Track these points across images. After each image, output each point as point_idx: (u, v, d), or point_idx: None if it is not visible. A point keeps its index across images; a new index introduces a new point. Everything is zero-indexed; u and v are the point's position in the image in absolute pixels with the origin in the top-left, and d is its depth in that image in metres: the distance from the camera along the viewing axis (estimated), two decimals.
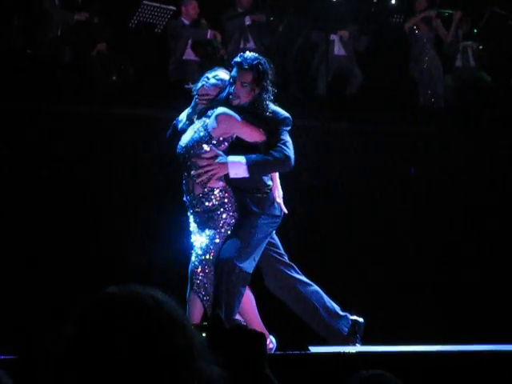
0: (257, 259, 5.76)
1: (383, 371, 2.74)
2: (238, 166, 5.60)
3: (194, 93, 5.78)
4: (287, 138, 5.73)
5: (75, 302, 1.58)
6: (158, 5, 10.14)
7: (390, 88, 10.73)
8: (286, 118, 5.77)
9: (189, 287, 5.68)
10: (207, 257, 5.60)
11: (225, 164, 5.59)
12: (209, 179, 5.58)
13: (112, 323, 1.37)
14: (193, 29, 10.35)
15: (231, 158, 5.61)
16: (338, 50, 10.86)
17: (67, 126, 8.43)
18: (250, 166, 5.60)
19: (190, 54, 10.31)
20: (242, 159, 5.61)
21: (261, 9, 10.77)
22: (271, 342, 5.89)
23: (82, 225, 8.09)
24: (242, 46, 10.48)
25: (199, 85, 5.77)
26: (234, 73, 5.70)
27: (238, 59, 5.73)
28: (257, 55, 5.85)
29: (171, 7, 10.23)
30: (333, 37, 10.74)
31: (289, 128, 5.77)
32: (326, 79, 10.53)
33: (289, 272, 5.98)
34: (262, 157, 5.65)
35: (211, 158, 5.60)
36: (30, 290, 7.60)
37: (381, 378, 2.73)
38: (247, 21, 10.51)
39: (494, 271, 8.91)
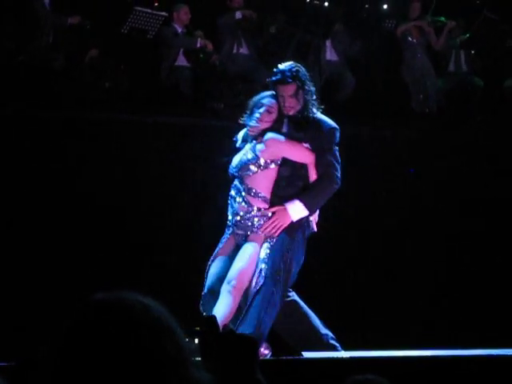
0: (289, 284, 5.81)
1: (377, 376, 2.73)
2: (295, 208, 5.72)
3: (247, 127, 5.96)
4: (332, 157, 5.78)
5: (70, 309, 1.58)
6: (149, 11, 10.14)
7: (382, 93, 10.74)
8: (332, 128, 5.83)
9: (226, 287, 5.65)
10: (262, 268, 5.68)
11: (284, 210, 5.72)
12: (275, 230, 5.73)
13: (98, 329, 1.36)
14: (184, 38, 10.34)
15: (287, 204, 5.73)
16: (330, 55, 10.86)
17: (60, 133, 8.41)
18: (305, 203, 5.72)
19: (182, 61, 10.32)
20: (296, 201, 5.74)
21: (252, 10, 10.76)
22: (267, 348, 5.88)
23: (79, 229, 8.08)
24: (235, 51, 10.47)
25: (251, 123, 5.88)
26: (278, 90, 5.81)
27: (278, 77, 5.82)
28: (290, 63, 5.92)
29: (163, 13, 10.23)
30: (325, 42, 10.74)
31: (337, 141, 5.83)
32: (319, 84, 10.53)
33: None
34: (312, 190, 5.77)
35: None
36: (32, 296, 7.59)
37: (374, 383, 2.72)
38: (238, 15, 10.47)
39: (492, 273, 8.91)
